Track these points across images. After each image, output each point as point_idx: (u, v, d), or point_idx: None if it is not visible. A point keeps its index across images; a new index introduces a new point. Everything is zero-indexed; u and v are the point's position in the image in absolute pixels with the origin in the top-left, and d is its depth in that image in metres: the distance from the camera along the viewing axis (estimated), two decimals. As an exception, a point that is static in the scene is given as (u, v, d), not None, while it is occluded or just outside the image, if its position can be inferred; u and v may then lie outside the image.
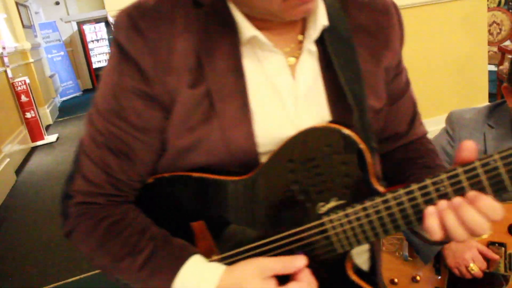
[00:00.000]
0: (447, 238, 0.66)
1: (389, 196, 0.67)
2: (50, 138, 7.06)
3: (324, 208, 0.72)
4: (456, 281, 1.44)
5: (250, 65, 0.74)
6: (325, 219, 0.72)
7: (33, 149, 6.71)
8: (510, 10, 7.12)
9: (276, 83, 0.76)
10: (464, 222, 0.62)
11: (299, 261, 0.69)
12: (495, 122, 1.37)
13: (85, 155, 0.77)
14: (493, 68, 5.38)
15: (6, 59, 6.46)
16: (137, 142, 0.76)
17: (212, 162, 0.75)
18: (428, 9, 3.66)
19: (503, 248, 1.33)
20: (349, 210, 0.70)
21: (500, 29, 6.90)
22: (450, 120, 1.50)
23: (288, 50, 0.77)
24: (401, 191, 0.66)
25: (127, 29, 0.71)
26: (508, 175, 0.60)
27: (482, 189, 0.62)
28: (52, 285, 3.02)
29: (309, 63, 0.77)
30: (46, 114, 8.14)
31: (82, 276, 3.07)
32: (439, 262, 1.48)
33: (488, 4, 7.71)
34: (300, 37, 0.77)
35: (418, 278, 1.55)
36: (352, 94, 0.74)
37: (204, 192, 0.77)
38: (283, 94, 0.76)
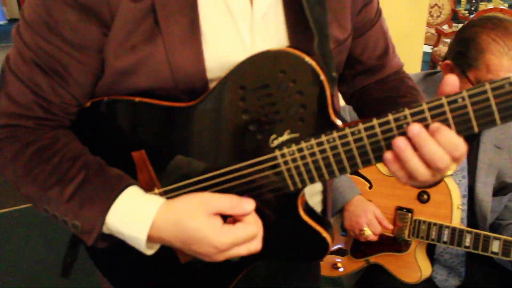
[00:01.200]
0: (411, 180, 0.62)
1: (347, 131, 0.61)
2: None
3: (276, 141, 0.66)
4: (360, 243, 1.43)
5: None
6: (277, 153, 0.66)
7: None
8: (452, -4, 7.31)
9: (230, 4, 0.68)
10: (424, 156, 0.57)
11: (248, 204, 0.63)
12: (424, 90, 1.35)
13: (10, 72, 0.68)
14: (428, 49, 5.52)
15: None
16: (71, 61, 0.67)
17: (155, 87, 0.68)
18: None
19: (410, 214, 1.32)
20: (303, 145, 0.64)
21: (440, 12, 7.09)
22: None
23: None
24: (360, 126, 0.60)
25: None
26: (475, 114, 0.56)
27: (447, 125, 0.58)
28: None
29: None
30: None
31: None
32: (346, 223, 1.46)
33: (433, -14, 7.89)
34: None
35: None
36: (313, 20, 0.67)
37: (146, 119, 0.71)
38: (237, 16, 0.68)
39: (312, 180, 0.66)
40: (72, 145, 0.71)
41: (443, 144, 0.57)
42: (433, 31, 5.94)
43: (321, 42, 0.68)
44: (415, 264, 1.33)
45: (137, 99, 0.69)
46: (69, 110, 0.71)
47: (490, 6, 6.41)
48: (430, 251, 1.40)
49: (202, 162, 0.70)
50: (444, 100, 0.56)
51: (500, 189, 1.33)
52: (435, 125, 0.57)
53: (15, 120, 0.69)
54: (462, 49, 1.19)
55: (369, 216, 1.32)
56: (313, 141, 0.64)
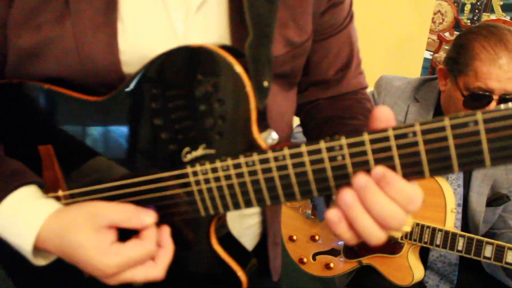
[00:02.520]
0: (360, 240, 0.51)
1: (270, 155, 0.51)
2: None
3: (189, 155, 0.56)
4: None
5: None
6: (189, 169, 0.56)
7: None
8: (455, 3, 7.33)
9: None
10: (375, 215, 0.47)
11: (146, 216, 0.55)
12: (422, 96, 1.35)
13: None
14: (428, 55, 5.53)
15: None
16: None
17: (64, 75, 0.59)
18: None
19: (403, 216, 1.32)
20: (218, 164, 0.54)
21: (443, 20, 7.11)
22: (378, 84, 1.45)
23: None
24: (286, 152, 0.50)
25: None
26: (427, 156, 0.45)
27: (391, 168, 0.47)
28: None
29: None
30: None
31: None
32: (340, 223, 1.46)
33: (437, -7, 7.91)
34: None
35: (317, 237, 1.53)
36: (252, 15, 0.57)
37: (56, 110, 0.62)
38: (170, 6, 0.60)
39: (226, 208, 0.56)
40: None
41: (395, 198, 0.46)
42: (434, 37, 5.96)
43: (256, 43, 0.57)
44: (408, 266, 1.32)
45: (46, 85, 0.60)
46: None
47: (493, 17, 6.44)
48: (424, 259, 1.40)
49: (114, 167, 0.61)
50: (390, 133, 0.45)
51: (494, 200, 1.33)
52: (379, 170, 0.46)
53: None
54: (455, 55, 1.19)
55: None
56: (230, 162, 0.53)
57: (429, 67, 5.52)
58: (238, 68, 0.52)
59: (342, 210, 0.48)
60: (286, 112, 0.73)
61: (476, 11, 7.13)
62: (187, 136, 0.56)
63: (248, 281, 0.62)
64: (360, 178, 0.46)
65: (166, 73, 0.56)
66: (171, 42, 0.58)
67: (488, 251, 1.18)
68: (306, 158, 0.49)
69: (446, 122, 0.43)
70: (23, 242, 0.55)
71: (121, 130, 0.60)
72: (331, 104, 0.78)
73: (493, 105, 1.13)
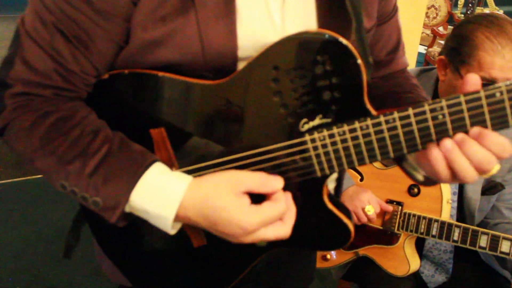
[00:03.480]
0: (455, 180, 0.62)
1: (381, 119, 0.60)
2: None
3: (307, 125, 0.64)
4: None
5: None
6: (307, 137, 0.64)
7: None
8: (449, -2, 7.35)
9: None
10: (472, 161, 0.58)
11: (276, 181, 0.62)
12: (420, 85, 1.36)
13: (28, 36, 0.63)
14: (422, 50, 5.55)
15: None
16: (97, 29, 0.63)
17: (182, 62, 0.65)
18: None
19: (400, 207, 1.33)
20: (335, 130, 0.63)
21: (437, 14, 7.12)
22: None
23: None
24: (396, 115, 0.60)
25: None
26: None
27: (482, 122, 0.57)
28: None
29: None
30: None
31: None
32: (336, 215, 1.47)
33: (431, -12, 7.92)
34: None
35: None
36: (351, 4, 0.66)
37: (169, 95, 0.68)
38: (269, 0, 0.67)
39: (341, 167, 0.65)
40: (92, 118, 0.67)
41: (490, 148, 0.57)
42: (428, 32, 5.98)
43: (358, 26, 0.67)
44: (404, 257, 1.34)
45: (160, 73, 0.66)
46: (88, 81, 0.67)
47: (487, 11, 6.47)
48: (419, 247, 1.41)
49: (224, 143, 0.68)
50: (482, 94, 0.56)
51: (488, 188, 1.34)
52: (476, 129, 0.57)
53: (32, 88, 0.64)
54: (456, 45, 1.20)
55: (369, 195, 1.33)
56: (346, 127, 0.62)
57: (424, 61, 5.54)
58: (345, 41, 0.60)
59: (442, 153, 0.59)
60: None
61: (470, 5, 7.14)
62: (305, 109, 0.64)
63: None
64: (458, 134, 0.58)
65: (287, 56, 0.62)
66: (271, 29, 0.67)
67: (483, 241, 1.20)
68: (412, 119, 0.59)
69: None
70: (166, 212, 0.61)
71: (238, 109, 0.66)
72: (384, 81, 0.88)
73: None
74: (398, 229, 1.33)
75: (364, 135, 0.62)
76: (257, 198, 0.62)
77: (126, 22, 0.64)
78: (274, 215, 0.61)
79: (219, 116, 0.67)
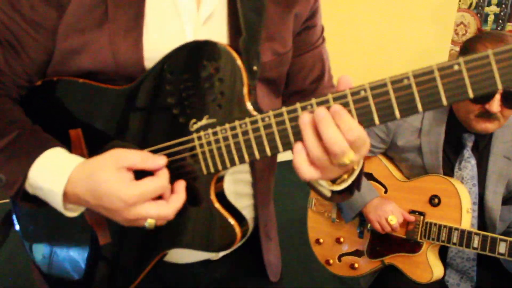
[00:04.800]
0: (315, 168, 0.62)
1: (258, 117, 0.65)
2: None
3: (196, 125, 0.69)
4: (376, 244, 1.52)
5: None
6: (194, 135, 0.69)
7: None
8: (479, 15, 7.33)
9: (178, 7, 0.75)
10: (324, 139, 0.59)
11: (159, 159, 0.66)
12: None
13: None
14: (452, 66, 5.56)
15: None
16: (27, 38, 0.74)
17: (98, 70, 0.73)
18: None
19: (422, 217, 1.41)
20: (218, 129, 0.67)
21: (466, 31, 7.10)
22: None
23: None
24: (270, 113, 0.64)
25: None
26: (376, 107, 0.58)
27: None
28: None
29: None
30: None
31: None
32: (363, 226, 1.55)
33: (459, 4, 7.92)
34: None
35: (342, 240, 1.63)
36: (245, 20, 0.73)
37: (86, 99, 0.76)
38: (184, 19, 0.75)
39: (223, 165, 0.68)
40: (15, 112, 0.75)
41: (341, 127, 0.58)
42: (457, 48, 5.98)
43: (247, 39, 0.72)
44: (427, 264, 1.40)
45: (81, 80, 0.74)
46: (18, 83, 0.77)
47: (517, 25, 6.42)
48: (443, 256, 1.47)
49: (131, 141, 0.74)
50: (347, 91, 0.58)
51: (510, 198, 1.41)
52: (336, 107, 0.58)
53: None
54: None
55: (393, 207, 1.42)
56: (227, 126, 0.67)
57: (453, 78, 5.55)
58: (235, 55, 0.67)
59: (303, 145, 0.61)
60: None
61: (500, 21, 7.10)
62: (194, 110, 0.69)
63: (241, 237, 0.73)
64: (321, 109, 0.59)
65: (178, 62, 0.70)
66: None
67: (502, 247, 1.26)
68: (285, 116, 0.63)
69: (387, 80, 0.57)
70: (55, 187, 0.66)
71: (140, 111, 0.73)
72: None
73: (497, 97, 1.22)
74: (420, 238, 1.40)
75: (243, 133, 0.65)
76: (143, 176, 0.65)
77: (52, 33, 0.73)
78: (154, 188, 0.64)
79: (127, 117, 0.74)
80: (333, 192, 0.74)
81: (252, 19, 0.74)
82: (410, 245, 1.43)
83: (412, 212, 1.43)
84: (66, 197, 0.67)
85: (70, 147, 0.75)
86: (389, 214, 1.40)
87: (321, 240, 1.68)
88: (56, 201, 0.67)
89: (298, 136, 0.62)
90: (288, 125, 0.63)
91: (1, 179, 0.69)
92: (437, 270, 1.41)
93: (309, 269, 2.29)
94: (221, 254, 0.90)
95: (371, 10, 3.61)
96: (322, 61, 0.92)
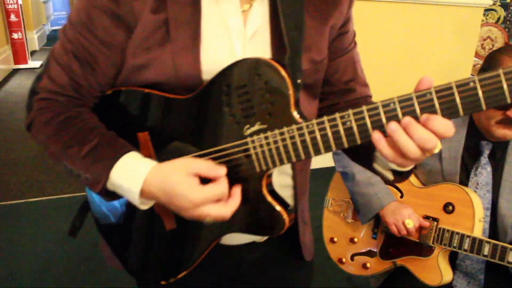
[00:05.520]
0: (401, 159, 0.70)
1: (303, 125, 0.75)
2: (34, 63, 6.89)
3: (249, 130, 0.79)
4: (389, 246, 1.58)
5: (207, 4, 0.84)
6: (248, 139, 0.79)
7: (14, 71, 6.55)
8: (506, 29, 7.27)
9: (228, 25, 0.85)
10: (414, 139, 0.67)
11: (221, 169, 0.78)
12: None
13: (54, 59, 0.86)
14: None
15: (0, -25, 6.31)
16: (101, 55, 0.85)
17: (161, 82, 0.84)
18: (424, 8, 3.75)
19: (435, 223, 1.46)
20: (269, 134, 0.77)
21: (493, 45, 7.07)
22: None
23: None
24: (314, 121, 0.74)
25: None
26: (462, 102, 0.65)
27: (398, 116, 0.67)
28: (11, 202, 3.10)
29: (260, 11, 0.87)
30: (34, 39, 7.95)
31: (43, 198, 3.17)
32: (377, 227, 1.61)
33: (486, 19, 7.87)
34: None
35: (356, 239, 1.69)
36: (288, 38, 0.83)
37: (152, 107, 0.87)
38: (233, 36, 0.85)
39: (273, 164, 0.79)
40: (92, 120, 0.87)
41: (433, 129, 0.66)
42: (482, 62, 5.94)
43: (292, 57, 0.83)
44: (437, 268, 1.46)
45: (146, 90, 0.85)
46: (93, 94, 0.88)
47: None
48: (452, 257, 1.53)
49: (193, 143, 0.84)
50: (413, 95, 0.66)
51: None
52: (424, 117, 0.66)
53: (52, 95, 0.86)
54: (486, 66, 1.38)
55: (410, 211, 1.48)
56: (277, 131, 0.77)
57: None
58: (282, 70, 0.77)
59: (389, 135, 0.68)
60: (310, 115, 0.96)
61: (528, 36, 7.05)
62: (247, 117, 0.79)
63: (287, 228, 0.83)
64: (406, 118, 0.67)
65: (233, 76, 0.79)
66: (233, 58, 0.82)
67: (511, 256, 1.31)
68: (327, 124, 0.73)
69: (452, 84, 0.65)
70: (134, 186, 0.78)
71: (199, 117, 0.83)
72: (348, 107, 0.99)
73: None
74: (433, 243, 1.46)
75: (291, 137, 0.76)
76: (206, 183, 0.77)
77: (122, 51, 0.84)
78: (215, 193, 0.75)
79: (187, 123, 0.85)
80: (397, 173, 0.85)
81: (294, 36, 0.84)
82: (423, 249, 1.49)
83: (426, 217, 1.48)
84: (142, 194, 0.79)
85: (138, 147, 0.86)
86: (407, 218, 1.46)
87: (335, 239, 1.75)
88: (134, 198, 0.79)
89: (339, 140, 0.73)
90: (329, 131, 0.73)
91: (88, 178, 0.81)
92: (447, 275, 1.47)
93: (322, 267, 2.35)
94: (266, 237, 1.00)
95: (395, 23, 3.67)
96: (354, 63, 1.00)
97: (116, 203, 0.94)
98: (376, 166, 0.87)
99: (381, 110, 0.69)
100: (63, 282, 2.38)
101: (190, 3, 0.82)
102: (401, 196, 1.57)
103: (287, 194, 0.98)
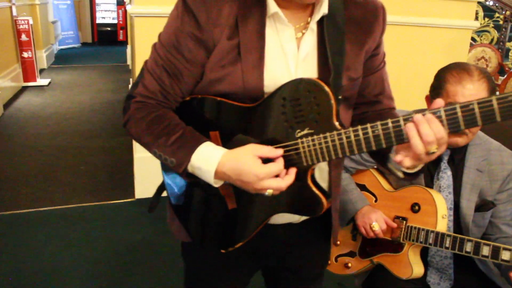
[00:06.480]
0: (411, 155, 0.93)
1: (342, 131, 0.96)
2: (42, 81, 7.22)
3: (300, 133, 1.00)
4: (366, 246, 1.75)
5: (270, 32, 1.04)
6: (299, 141, 1.00)
7: (23, 89, 6.87)
8: (500, 50, 7.49)
9: (285, 49, 1.05)
10: (421, 131, 0.88)
11: (279, 151, 1.00)
12: None
13: (147, 71, 1.08)
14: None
15: (13, -4, 6.62)
16: (185, 70, 1.06)
17: (231, 92, 1.04)
18: (414, 30, 3.96)
19: (404, 222, 1.63)
20: (315, 137, 0.98)
21: (487, 65, 7.27)
22: None
23: (298, 26, 1.06)
24: (350, 129, 0.95)
25: None
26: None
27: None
28: (22, 211, 3.30)
29: (310, 38, 1.06)
30: (42, 58, 8.28)
31: (52, 207, 3.36)
32: (356, 230, 1.78)
33: (481, 40, 8.10)
34: (308, 19, 1.07)
35: (338, 242, 1.86)
36: (332, 63, 1.04)
37: (222, 111, 1.07)
38: (289, 58, 1.05)
39: (318, 160, 1.00)
40: (176, 118, 1.07)
41: (433, 128, 0.88)
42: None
43: (335, 77, 1.03)
44: (408, 262, 1.62)
45: (218, 98, 1.05)
46: (177, 99, 1.09)
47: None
48: (425, 254, 1.70)
49: (254, 143, 1.02)
50: (427, 111, 0.88)
51: (482, 206, 1.63)
52: (429, 115, 0.88)
53: (145, 99, 1.08)
54: (435, 83, 1.57)
55: (378, 215, 1.66)
56: (321, 136, 0.98)
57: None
58: (327, 89, 0.97)
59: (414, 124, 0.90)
60: (347, 123, 1.18)
61: (521, 56, 7.24)
62: (299, 123, 1.00)
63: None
64: (418, 115, 0.89)
65: (290, 91, 1.00)
66: (288, 76, 1.04)
67: (468, 246, 1.48)
68: (360, 132, 0.95)
69: (457, 105, 0.86)
70: (211, 167, 0.99)
71: (261, 121, 1.04)
72: (375, 115, 1.22)
73: None
74: (403, 239, 1.63)
75: (332, 141, 0.97)
76: (268, 162, 0.98)
77: (202, 67, 1.05)
78: (275, 170, 0.96)
79: (250, 125, 1.04)
80: (407, 174, 1.06)
81: (337, 60, 1.05)
82: (394, 246, 1.66)
83: (397, 217, 1.66)
84: (216, 174, 0.99)
85: None
86: (373, 221, 1.64)
87: (321, 243, 1.91)
88: (209, 177, 1.00)
89: (368, 144, 0.94)
90: (361, 136, 0.94)
91: (173, 162, 1.03)
92: (417, 268, 1.62)
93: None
94: (302, 219, 1.21)
95: (386, 44, 3.82)
96: (382, 80, 1.21)
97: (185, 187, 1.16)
98: (390, 165, 1.09)
99: (402, 123, 0.91)
100: (71, 285, 2.54)
101: (257, 32, 1.02)
102: (376, 200, 1.75)
103: (323, 186, 1.16)
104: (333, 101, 0.97)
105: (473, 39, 7.80)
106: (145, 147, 1.08)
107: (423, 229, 1.58)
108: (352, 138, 0.95)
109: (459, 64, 1.52)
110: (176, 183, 1.18)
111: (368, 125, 0.94)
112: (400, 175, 1.08)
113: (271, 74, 1.04)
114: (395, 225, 1.65)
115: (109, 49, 11.53)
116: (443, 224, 1.57)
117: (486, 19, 8.13)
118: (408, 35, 3.97)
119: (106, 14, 12.26)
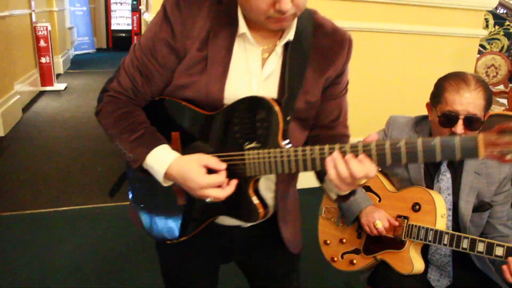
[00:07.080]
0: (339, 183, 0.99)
1: (284, 149, 1.04)
2: (59, 86, 7.42)
3: (248, 146, 1.08)
4: (370, 243, 1.86)
5: (238, 50, 1.11)
6: (246, 152, 1.08)
7: (41, 93, 7.07)
8: (510, 57, 7.51)
9: (250, 68, 1.12)
10: (350, 169, 0.95)
11: (223, 164, 1.08)
12: (420, 129, 1.80)
13: (123, 69, 1.17)
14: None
15: (33, 3, 6.81)
16: (157, 73, 1.14)
17: (194, 99, 1.12)
18: (422, 38, 4.03)
19: (406, 220, 1.74)
20: (260, 151, 1.06)
21: (497, 73, 7.30)
22: (388, 121, 1.91)
23: (267, 47, 1.13)
24: (291, 149, 1.03)
25: (172, 4, 1.09)
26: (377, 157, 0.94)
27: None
28: (42, 210, 3.43)
29: (274, 60, 1.13)
30: (59, 63, 8.49)
31: (71, 207, 3.50)
32: (360, 228, 1.88)
33: (491, 48, 8.13)
34: (278, 42, 1.13)
35: (344, 240, 1.96)
36: (288, 85, 1.11)
37: (185, 115, 1.15)
38: (252, 76, 1.12)
39: (260, 172, 1.07)
40: (142, 116, 1.15)
41: (350, 168, 0.95)
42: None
43: (288, 99, 1.10)
44: (409, 259, 1.72)
45: (183, 103, 1.13)
46: (146, 98, 1.17)
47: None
48: (425, 252, 1.79)
49: (208, 147, 1.12)
50: (360, 144, 0.96)
51: (479, 206, 1.73)
52: (361, 156, 0.95)
53: (117, 94, 1.15)
54: (434, 91, 1.66)
55: (381, 214, 1.76)
56: (266, 151, 1.05)
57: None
58: (277, 109, 1.05)
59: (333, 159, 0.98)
60: (300, 142, 1.24)
61: (530, 64, 7.27)
62: (248, 136, 1.08)
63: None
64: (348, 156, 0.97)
65: (244, 106, 1.08)
66: (249, 92, 1.11)
67: (465, 243, 1.58)
68: (299, 152, 1.02)
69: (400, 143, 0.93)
70: (161, 168, 1.08)
71: (216, 129, 1.12)
72: (327, 138, 1.24)
73: (460, 122, 1.55)
74: (404, 237, 1.73)
75: (275, 157, 1.04)
76: (211, 172, 1.05)
77: (172, 72, 1.13)
78: (216, 182, 1.04)
79: (207, 131, 1.13)
80: (339, 196, 1.15)
81: (294, 84, 1.12)
82: (396, 243, 1.76)
83: (399, 216, 1.76)
84: (165, 175, 1.09)
85: (170, 142, 1.15)
86: (376, 220, 1.75)
87: (328, 241, 2.02)
88: (159, 176, 1.10)
89: (304, 165, 1.01)
90: (300, 157, 1.02)
91: (130, 157, 1.12)
92: (417, 264, 1.72)
93: (321, 272, 2.61)
94: (248, 224, 1.28)
95: (395, 53, 3.96)
96: (340, 108, 1.26)
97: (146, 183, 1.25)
98: (324, 185, 1.20)
99: (336, 148, 0.98)
100: (90, 281, 2.67)
101: (225, 48, 1.10)
102: (379, 200, 1.86)
103: (269, 196, 1.25)
104: (280, 121, 1.05)
105: (483, 46, 7.84)
106: (109, 138, 1.18)
107: (423, 227, 1.68)
108: (292, 157, 1.03)
109: (457, 74, 1.62)
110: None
111: (308, 148, 1.01)
112: (333, 196, 1.18)
113: (233, 88, 1.11)
114: (397, 223, 1.75)
115: (124, 55, 10.92)
116: (442, 223, 1.67)
117: (497, 27, 8.16)
118: (416, 44, 4.04)
119: (121, 20, 12.53)
